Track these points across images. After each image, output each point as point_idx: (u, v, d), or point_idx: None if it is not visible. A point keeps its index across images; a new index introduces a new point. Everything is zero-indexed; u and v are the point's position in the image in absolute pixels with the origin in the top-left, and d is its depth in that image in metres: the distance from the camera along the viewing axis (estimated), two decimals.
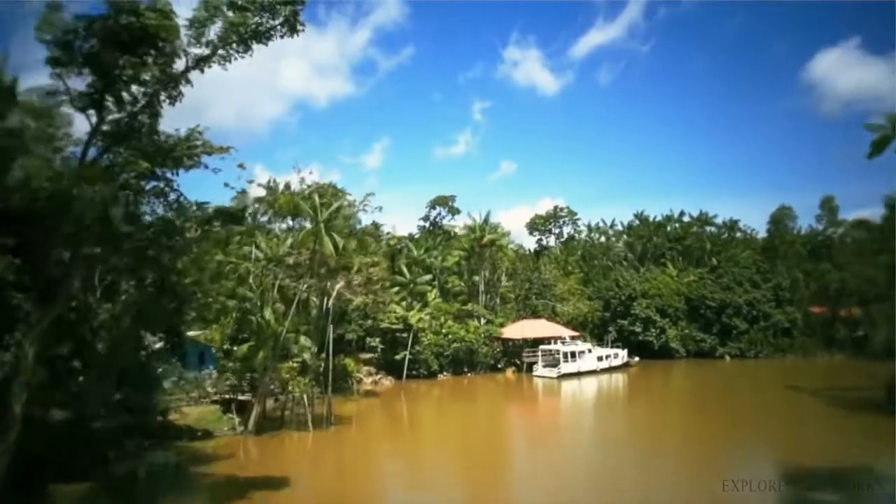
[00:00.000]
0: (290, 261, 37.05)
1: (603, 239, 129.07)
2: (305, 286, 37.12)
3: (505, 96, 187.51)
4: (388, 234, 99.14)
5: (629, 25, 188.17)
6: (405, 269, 68.87)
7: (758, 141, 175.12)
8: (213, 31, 19.78)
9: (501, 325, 68.46)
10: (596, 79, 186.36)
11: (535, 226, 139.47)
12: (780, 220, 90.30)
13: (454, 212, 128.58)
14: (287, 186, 55.47)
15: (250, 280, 38.17)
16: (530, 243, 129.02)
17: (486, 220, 73.57)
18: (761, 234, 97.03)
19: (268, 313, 34.45)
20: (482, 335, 64.05)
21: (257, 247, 41.24)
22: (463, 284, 74.13)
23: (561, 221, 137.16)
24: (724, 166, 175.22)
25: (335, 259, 35.62)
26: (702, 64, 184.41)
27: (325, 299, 40.54)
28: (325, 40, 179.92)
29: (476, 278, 72.22)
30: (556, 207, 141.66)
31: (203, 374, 41.31)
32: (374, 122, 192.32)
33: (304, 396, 39.32)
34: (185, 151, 20.93)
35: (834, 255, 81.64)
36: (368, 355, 62.91)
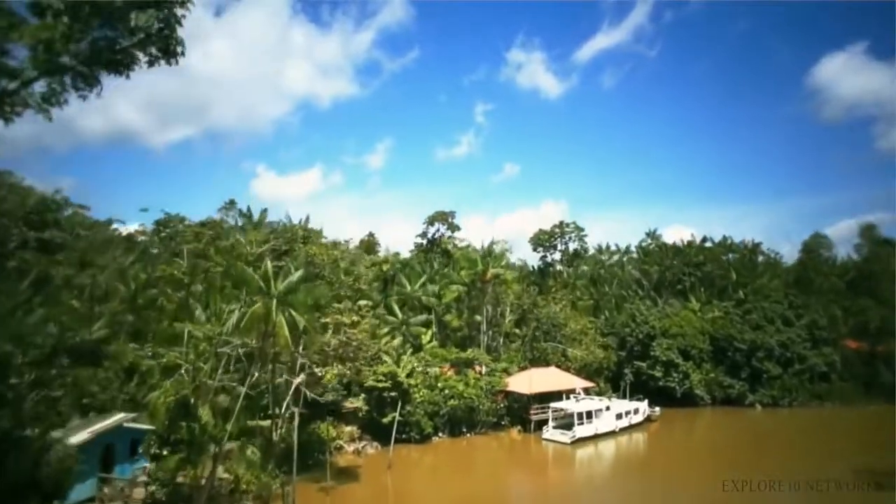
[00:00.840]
0: (229, 350, 28.98)
1: (615, 258, 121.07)
2: (254, 377, 29.12)
3: (509, 99, 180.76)
4: (380, 256, 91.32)
5: (634, 29, 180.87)
6: (397, 309, 60.63)
7: (761, 144, 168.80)
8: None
9: (506, 372, 60.14)
10: (600, 82, 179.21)
11: (539, 241, 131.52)
12: (814, 248, 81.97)
13: (454, 228, 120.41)
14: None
15: (182, 371, 30.06)
16: (534, 256, 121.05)
17: (489, 252, 65.34)
18: (782, 253, 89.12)
19: (205, 414, 26.39)
20: (483, 388, 55.72)
21: (193, 325, 33.21)
22: (462, 322, 65.97)
23: (567, 237, 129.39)
24: (727, 169, 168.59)
25: (291, 349, 27.60)
26: (706, 68, 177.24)
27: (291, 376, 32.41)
28: (329, 41, 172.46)
29: (478, 317, 64.07)
30: (561, 223, 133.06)
31: (135, 471, 33.08)
32: (378, 123, 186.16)
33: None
34: None
35: (874, 288, 73.42)
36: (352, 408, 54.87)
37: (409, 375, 51.88)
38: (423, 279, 65.61)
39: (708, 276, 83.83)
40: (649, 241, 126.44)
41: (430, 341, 59.35)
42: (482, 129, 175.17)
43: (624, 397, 66.55)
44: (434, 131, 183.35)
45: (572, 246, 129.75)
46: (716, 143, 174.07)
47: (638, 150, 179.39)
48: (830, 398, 67.79)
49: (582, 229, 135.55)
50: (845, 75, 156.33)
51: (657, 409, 63.32)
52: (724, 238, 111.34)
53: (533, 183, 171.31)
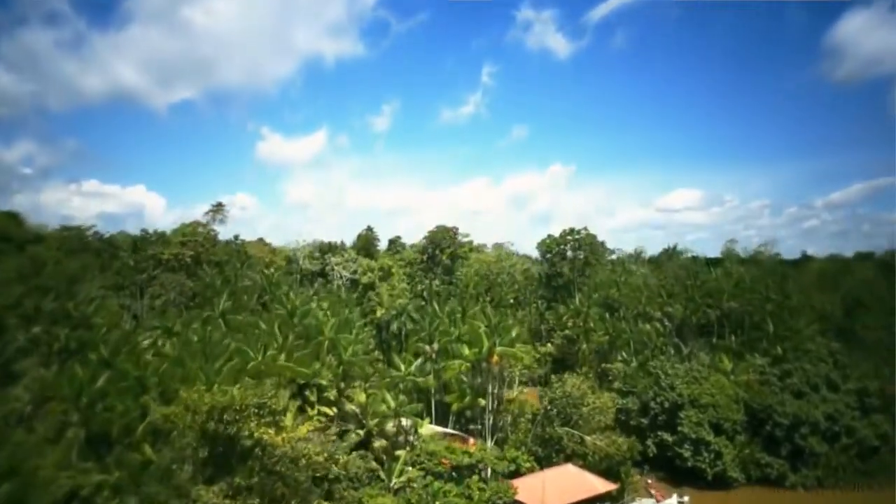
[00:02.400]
0: None
1: (632, 269, 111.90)
2: None
3: (517, 60, 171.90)
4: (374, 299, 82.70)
5: None
6: (390, 399, 52.35)
7: (773, 106, 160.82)
8: None
9: (514, 463, 52.36)
10: (610, 43, 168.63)
11: (548, 248, 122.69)
12: (857, 295, 72.77)
13: (455, 253, 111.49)
14: None
15: None
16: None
17: (496, 326, 56.32)
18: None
19: None
20: (488, 502, 47.84)
21: None
22: (464, 404, 57.85)
23: (578, 244, 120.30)
24: (736, 132, 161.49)
25: None
26: (720, 28, 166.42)
27: None
28: (335, 0, 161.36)
29: (482, 401, 55.88)
30: (572, 230, 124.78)
31: None
32: (384, 84, 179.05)
33: None
34: None
35: None
36: None
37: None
38: (418, 362, 57.03)
39: (736, 313, 75.24)
40: (668, 256, 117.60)
41: (424, 439, 51.33)
42: (489, 91, 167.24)
43: (646, 471, 59.60)
44: (440, 93, 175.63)
45: (582, 254, 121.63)
46: (726, 105, 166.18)
47: (647, 113, 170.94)
48: (881, 477, 59.96)
49: (594, 236, 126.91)
50: (867, 32, 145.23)
51: (686, 498, 55.85)
52: (756, 254, 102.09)
53: (541, 145, 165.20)
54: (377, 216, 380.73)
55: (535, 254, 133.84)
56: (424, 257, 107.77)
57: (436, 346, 60.95)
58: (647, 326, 76.15)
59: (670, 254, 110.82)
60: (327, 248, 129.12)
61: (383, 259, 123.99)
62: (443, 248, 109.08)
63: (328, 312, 65.57)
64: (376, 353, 69.64)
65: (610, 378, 72.96)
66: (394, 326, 65.47)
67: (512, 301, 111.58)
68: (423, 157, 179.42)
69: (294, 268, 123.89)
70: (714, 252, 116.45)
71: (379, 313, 70.46)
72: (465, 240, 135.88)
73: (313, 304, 66.22)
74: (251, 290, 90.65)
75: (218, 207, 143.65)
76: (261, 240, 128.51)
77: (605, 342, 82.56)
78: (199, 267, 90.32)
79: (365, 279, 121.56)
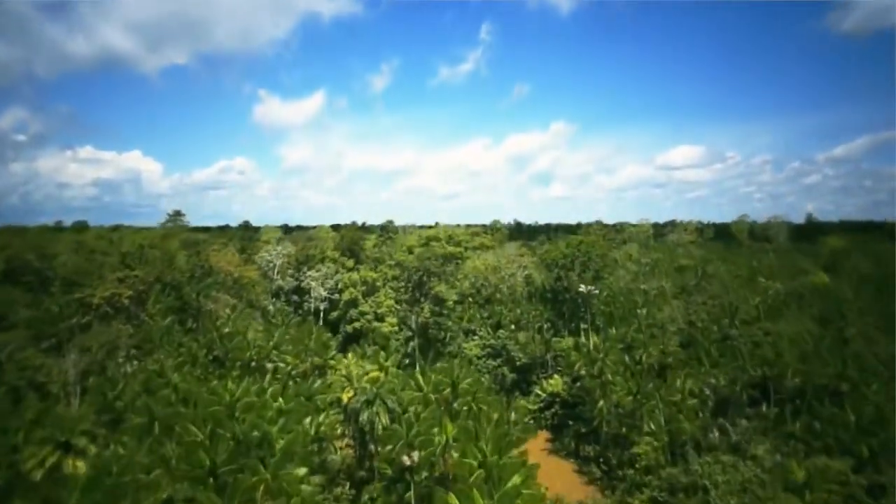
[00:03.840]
0: None
1: (651, 289, 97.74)
2: None
3: (517, 17, 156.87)
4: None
5: None
6: None
7: (775, 60, 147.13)
8: None
9: None
10: None
11: (554, 261, 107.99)
12: None
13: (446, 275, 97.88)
14: None
15: None
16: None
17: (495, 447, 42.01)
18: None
19: None
20: None
21: None
22: None
23: (587, 257, 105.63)
24: (738, 87, 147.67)
25: None
26: None
27: None
28: None
29: None
30: (580, 241, 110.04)
31: None
32: (381, 44, 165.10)
33: None
34: None
35: None
36: None
37: None
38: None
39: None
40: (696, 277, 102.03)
41: None
42: (489, 47, 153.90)
43: None
44: (440, 50, 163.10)
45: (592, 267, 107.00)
46: (731, 59, 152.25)
47: (650, 69, 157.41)
48: None
49: (604, 243, 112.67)
50: None
51: None
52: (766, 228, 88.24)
53: (541, 104, 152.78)
54: (376, 178, 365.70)
55: (536, 219, 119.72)
56: (410, 286, 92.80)
57: (416, 456, 46.98)
58: (679, 396, 61.96)
59: (699, 276, 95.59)
60: (304, 260, 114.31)
61: (366, 273, 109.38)
62: (430, 275, 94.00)
63: (281, 404, 51.23)
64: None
65: (635, 464, 59.36)
66: (363, 417, 51.41)
67: (513, 327, 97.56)
68: (423, 117, 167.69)
69: (268, 286, 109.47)
70: (714, 210, 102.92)
71: (346, 396, 56.17)
72: (457, 249, 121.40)
73: (267, 394, 51.88)
74: (208, 328, 76.65)
75: (175, 216, 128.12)
76: (233, 252, 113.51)
77: (627, 403, 68.61)
78: (141, 308, 75.81)
79: (347, 295, 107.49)
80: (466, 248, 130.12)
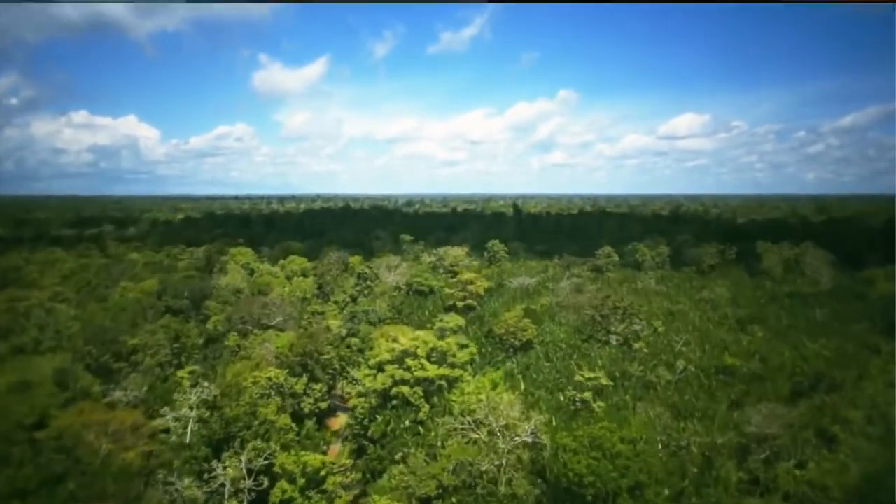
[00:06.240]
0: None
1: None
2: None
3: None
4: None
5: None
6: None
7: (781, 28, 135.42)
8: None
9: None
10: None
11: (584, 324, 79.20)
12: None
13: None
14: None
15: None
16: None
17: None
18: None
19: None
20: None
21: None
22: None
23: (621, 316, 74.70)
24: (743, 55, 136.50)
25: None
26: None
27: None
28: None
29: None
30: (611, 299, 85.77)
31: None
32: (385, 6, 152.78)
33: None
34: None
35: None
36: None
37: None
38: None
39: None
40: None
41: None
42: (495, 12, 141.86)
43: None
44: (444, 13, 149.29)
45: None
46: (738, 28, 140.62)
47: (656, 36, 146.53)
48: None
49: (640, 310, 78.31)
50: None
51: None
52: None
53: (545, 71, 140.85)
54: (375, 145, 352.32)
55: (533, 189, 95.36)
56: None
57: None
58: None
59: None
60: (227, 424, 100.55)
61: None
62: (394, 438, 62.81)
63: None
64: None
65: None
66: None
67: None
68: (424, 84, 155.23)
69: None
70: (713, 180, 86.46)
71: None
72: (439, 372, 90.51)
73: None
74: None
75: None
76: None
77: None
78: None
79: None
80: (454, 367, 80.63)
